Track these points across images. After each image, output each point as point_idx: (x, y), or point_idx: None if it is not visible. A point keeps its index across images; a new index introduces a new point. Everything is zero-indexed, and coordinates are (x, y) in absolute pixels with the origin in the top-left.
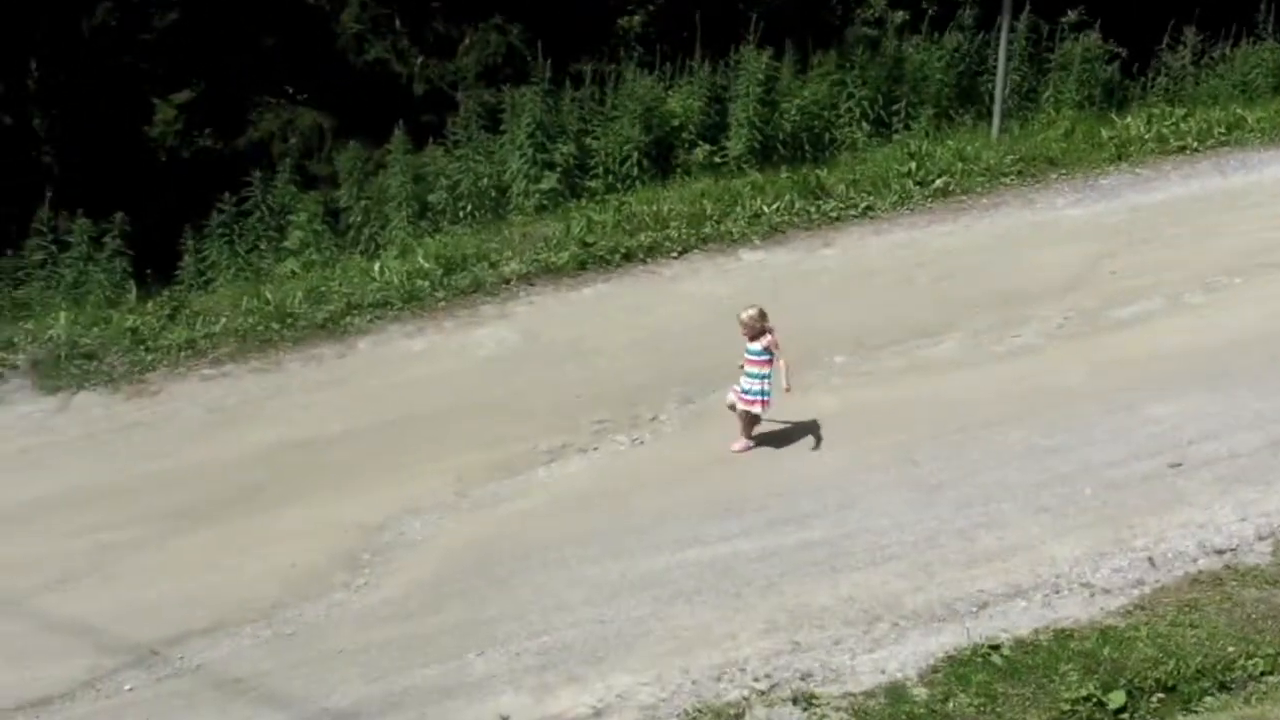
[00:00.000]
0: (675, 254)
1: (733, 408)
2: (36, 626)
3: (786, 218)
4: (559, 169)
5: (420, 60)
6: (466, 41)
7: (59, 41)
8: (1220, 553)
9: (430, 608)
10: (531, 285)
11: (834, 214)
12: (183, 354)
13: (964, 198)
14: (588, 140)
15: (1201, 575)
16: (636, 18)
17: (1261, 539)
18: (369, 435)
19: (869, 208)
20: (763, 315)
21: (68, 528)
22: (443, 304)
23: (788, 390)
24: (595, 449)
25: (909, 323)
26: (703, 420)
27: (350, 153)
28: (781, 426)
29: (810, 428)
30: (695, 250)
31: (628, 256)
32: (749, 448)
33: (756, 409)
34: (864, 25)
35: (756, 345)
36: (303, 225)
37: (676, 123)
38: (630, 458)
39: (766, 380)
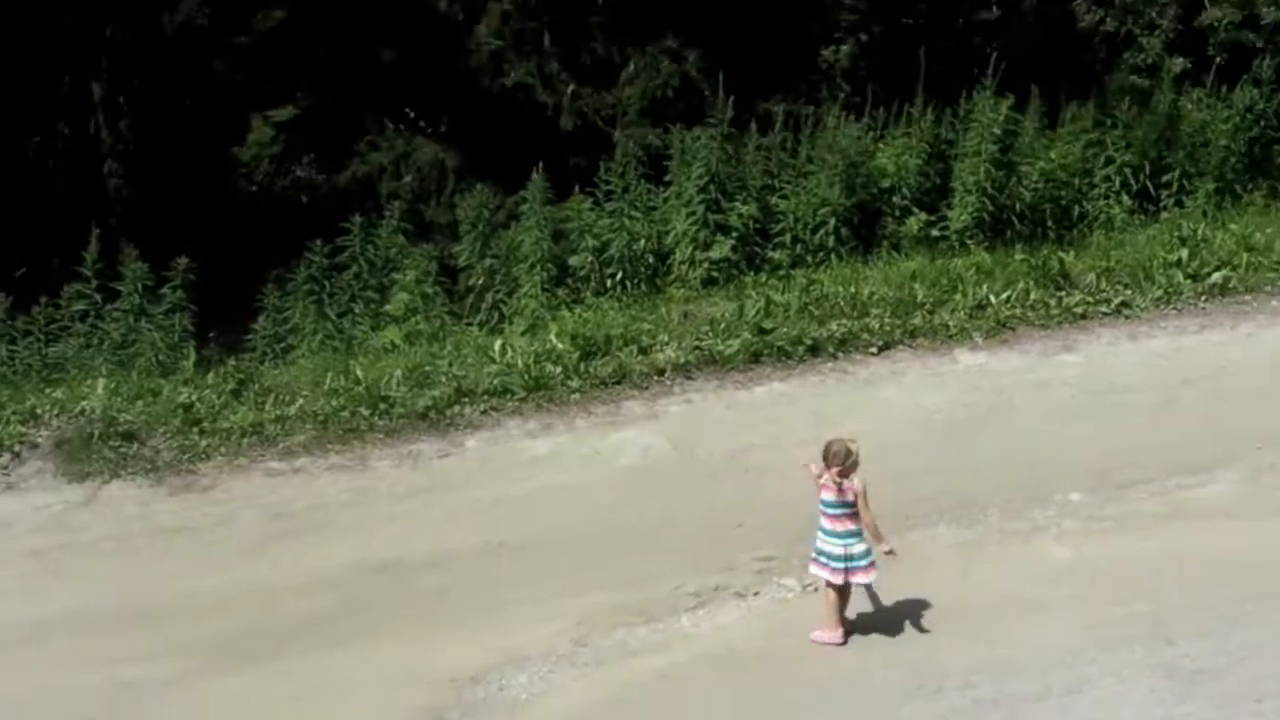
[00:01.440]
0: (874, 350)
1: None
2: None
3: (1018, 311)
4: (735, 234)
5: (571, 88)
6: (630, 68)
7: (136, 38)
8: None
9: None
10: (690, 379)
11: (1079, 310)
12: (246, 441)
13: (1248, 298)
14: (773, 200)
15: None
16: (845, 49)
17: None
18: (470, 560)
19: (1124, 304)
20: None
21: (80, 657)
22: (577, 396)
23: (889, 553)
24: (756, 594)
25: (1169, 455)
26: (895, 565)
27: (477, 198)
28: (993, 582)
29: (1032, 586)
30: (900, 346)
31: (814, 350)
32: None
33: (864, 579)
34: (1132, 73)
35: (846, 494)
36: (409, 286)
37: (887, 184)
38: (800, 609)
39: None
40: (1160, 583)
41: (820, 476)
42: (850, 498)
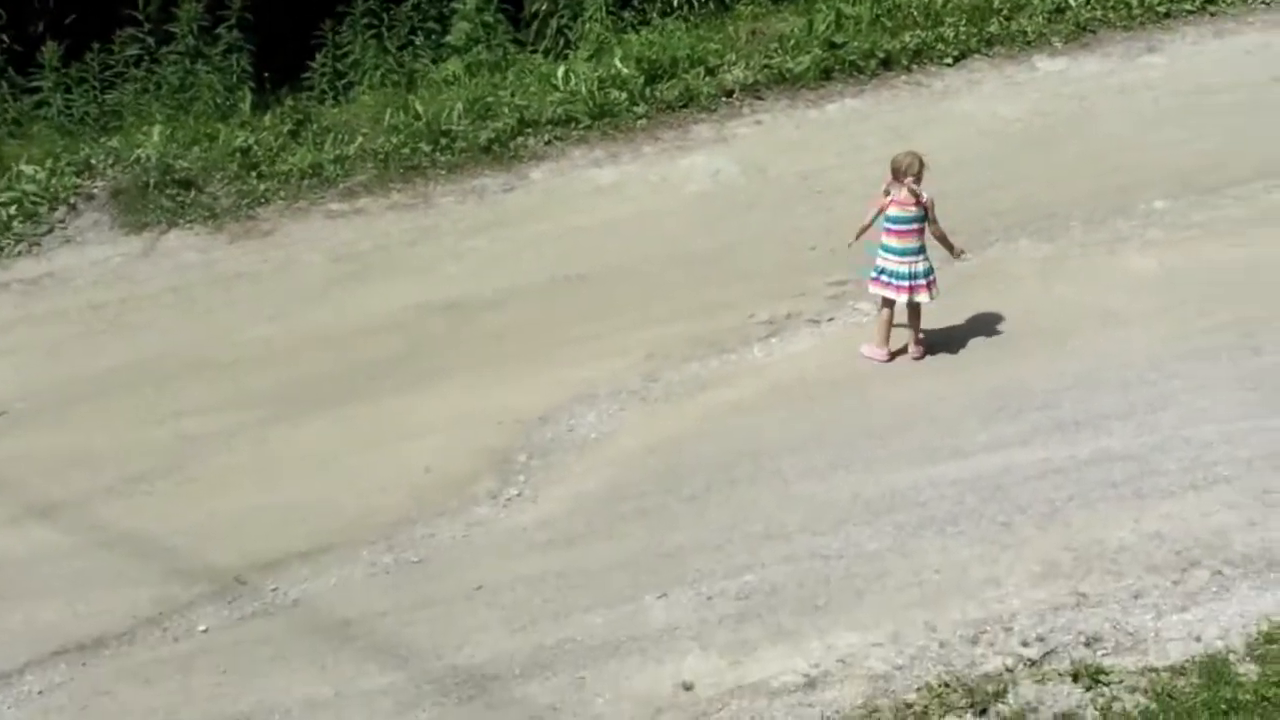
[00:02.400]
0: (949, 60)
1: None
2: (94, 542)
3: (1099, 13)
4: None
5: None
6: None
7: None
8: None
9: (600, 531)
10: (759, 99)
11: (1162, 8)
12: (305, 183)
13: None
14: None
15: None
16: None
17: None
18: (536, 296)
19: (1209, 1)
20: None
21: (143, 412)
22: (643, 122)
23: (961, 253)
24: (830, 320)
25: (1259, 158)
26: (975, 284)
27: None
28: (1076, 297)
29: (1114, 297)
30: (976, 55)
31: (887, 63)
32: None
33: (925, 296)
34: None
35: (922, 203)
36: (470, 15)
37: None
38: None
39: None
40: (1248, 291)
41: (888, 193)
42: (921, 212)
